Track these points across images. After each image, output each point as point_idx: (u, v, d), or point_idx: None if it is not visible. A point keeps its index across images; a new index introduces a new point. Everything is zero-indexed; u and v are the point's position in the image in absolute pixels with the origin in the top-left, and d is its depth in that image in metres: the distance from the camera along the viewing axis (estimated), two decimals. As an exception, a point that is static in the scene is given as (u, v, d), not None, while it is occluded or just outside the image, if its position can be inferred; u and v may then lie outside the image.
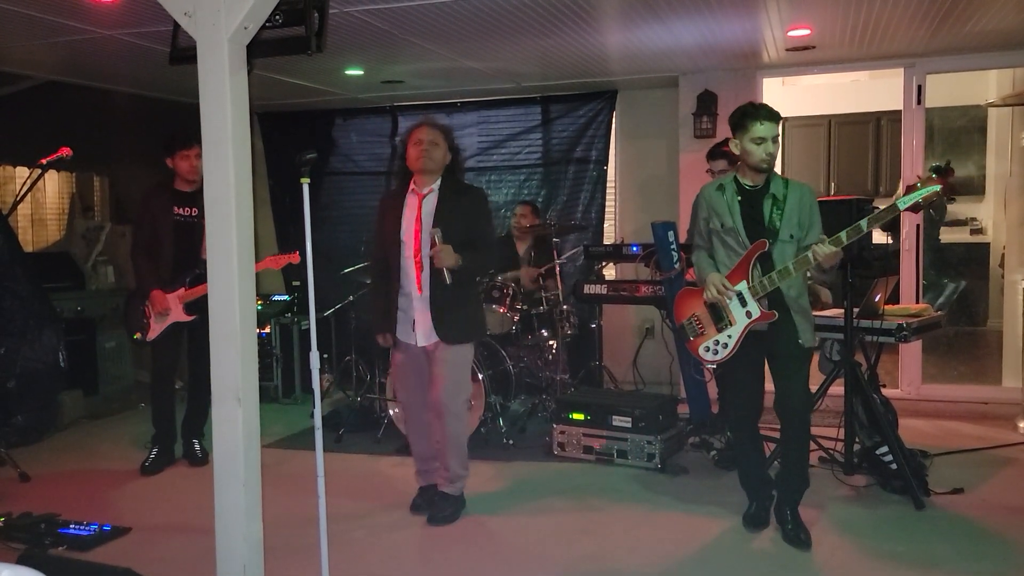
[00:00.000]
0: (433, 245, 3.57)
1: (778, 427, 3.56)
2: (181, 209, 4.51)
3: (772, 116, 3.38)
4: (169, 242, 4.48)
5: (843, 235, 3.22)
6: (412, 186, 3.75)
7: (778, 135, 3.39)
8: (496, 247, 3.95)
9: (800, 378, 3.45)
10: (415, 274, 3.69)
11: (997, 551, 3.41)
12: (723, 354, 3.49)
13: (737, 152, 3.44)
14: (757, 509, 3.63)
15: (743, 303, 3.42)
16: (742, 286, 3.41)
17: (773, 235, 3.38)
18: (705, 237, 3.62)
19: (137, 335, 4.58)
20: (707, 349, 3.54)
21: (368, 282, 5.64)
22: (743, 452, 3.71)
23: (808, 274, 3.55)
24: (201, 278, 4.32)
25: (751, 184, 3.46)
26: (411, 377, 3.86)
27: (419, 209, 3.70)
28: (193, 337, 4.56)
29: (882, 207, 3.33)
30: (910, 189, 3.25)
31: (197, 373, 4.64)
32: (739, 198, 3.46)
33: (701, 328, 3.56)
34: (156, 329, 4.49)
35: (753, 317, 3.41)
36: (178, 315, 4.46)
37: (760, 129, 3.33)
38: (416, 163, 3.69)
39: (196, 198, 4.43)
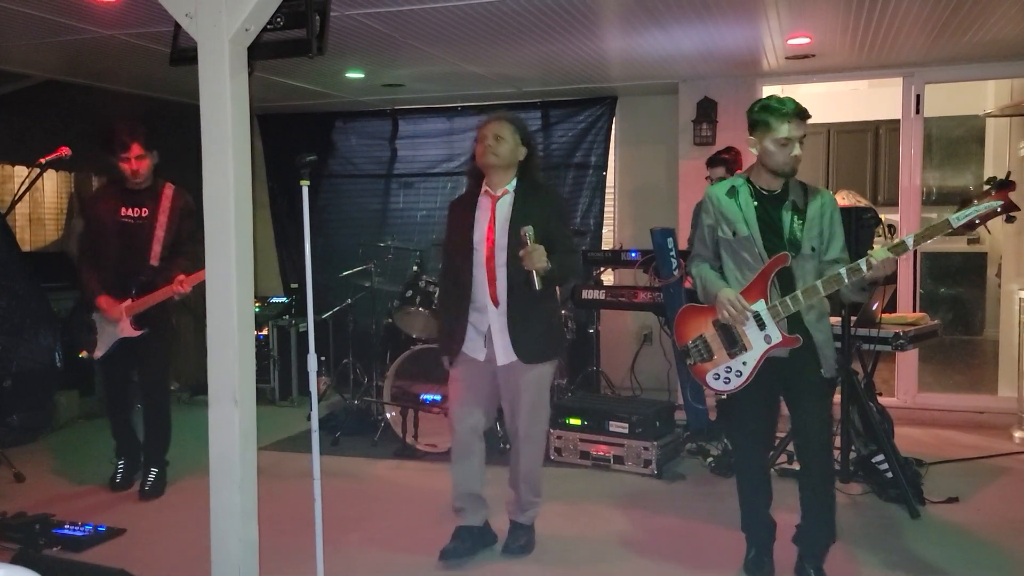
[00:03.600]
0: (524, 245, 3.18)
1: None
2: (129, 209, 4.12)
3: (800, 113, 2.92)
4: (115, 246, 4.10)
5: (884, 251, 2.82)
6: (485, 187, 3.42)
7: (805, 135, 2.96)
8: (578, 252, 3.50)
9: (822, 414, 3.05)
10: (488, 285, 3.31)
11: (992, 560, 3.42)
12: (736, 383, 3.04)
13: (755, 152, 3.01)
14: (758, 555, 3.21)
15: (761, 325, 2.97)
16: (760, 305, 2.96)
17: (795, 247, 2.95)
18: (709, 246, 3.14)
19: (83, 353, 4.14)
20: (716, 377, 3.07)
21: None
22: (748, 493, 3.22)
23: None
24: (148, 287, 4.05)
25: (767, 188, 3.03)
26: (469, 397, 3.42)
27: (492, 212, 3.35)
28: (144, 356, 4.21)
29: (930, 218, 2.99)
30: (966, 203, 2.82)
31: (150, 395, 4.30)
32: (755, 203, 3.01)
33: (709, 352, 3.09)
34: (104, 345, 4.11)
35: (773, 342, 2.96)
36: (126, 330, 4.07)
37: (785, 130, 2.89)
38: (481, 158, 3.36)
39: (144, 197, 4.15)
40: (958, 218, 2.79)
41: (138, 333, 4.09)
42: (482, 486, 3.50)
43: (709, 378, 3.10)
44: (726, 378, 3.06)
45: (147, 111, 6.43)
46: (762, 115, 2.94)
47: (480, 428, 3.46)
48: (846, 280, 2.85)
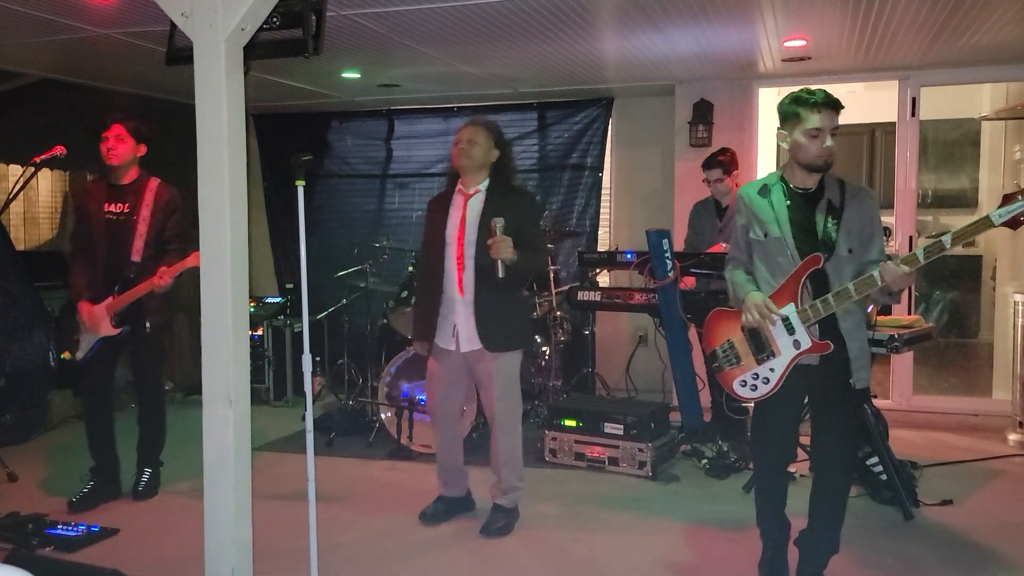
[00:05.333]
0: (492, 235, 3.43)
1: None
2: (112, 205, 4.04)
3: (831, 103, 2.82)
4: (100, 243, 4.02)
5: (920, 252, 2.64)
6: (459, 186, 3.70)
7: (837, 127, 2.84)
8: (545, 252, 3.78)
9: (845, 426, 2.95)
10: (457, 275, 3.59)
11: (985, 562, 3.43)
12: (763, 390, 2.91)
13: (785, 146, 2.92)
14: (775, 556, 3.12)
15: (790, 330, 2.84)
16: (789, 309, 2.83)
17: (828, 249, 2.81)
18: (744, 249, 3.02)
19: (66, 354, 4.03)
20: (744, 384, 2.96)
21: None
22: (767, 497, 3.13)
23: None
24: (130, 284, 3.97)
25: (801, 187, 2.92)
26: (443, 385, 3.74)
27: (464, 209, 3.62)
28: (136, 354, 4.17)
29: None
30: (1008, 199, 2.60)
31: (144, 393, 4.28)
32: (788, 202, 2.90)
33: (737, 358, 2.98)
34: (85, 346, 4.03)
35: (802, 348, 2.84)
36: (105, 328, 3.98)
37: (816, 119, 2.80)
38: (455, 160, 3.65)
39: (127, 192, 4.05)
40: (1000, 215, 2.59)
41: (117, 332, 3.99)
42: (462, 461, 3.86)
43: (736, 385, 2.99)
44: (753, 385, 2.94)
45: (142, 111, 6.42)
46: (792, 106, 2.86)
47: (455, 412, 3.83)
48: (879, 282, 2.69)
